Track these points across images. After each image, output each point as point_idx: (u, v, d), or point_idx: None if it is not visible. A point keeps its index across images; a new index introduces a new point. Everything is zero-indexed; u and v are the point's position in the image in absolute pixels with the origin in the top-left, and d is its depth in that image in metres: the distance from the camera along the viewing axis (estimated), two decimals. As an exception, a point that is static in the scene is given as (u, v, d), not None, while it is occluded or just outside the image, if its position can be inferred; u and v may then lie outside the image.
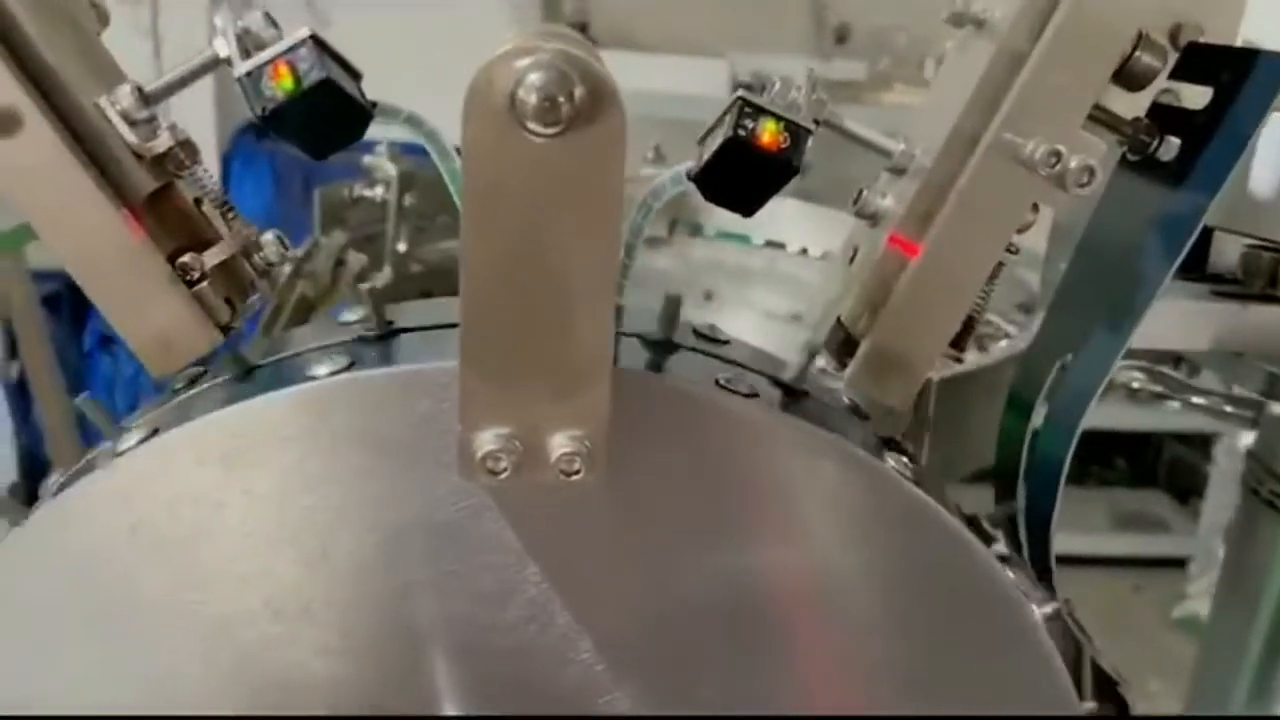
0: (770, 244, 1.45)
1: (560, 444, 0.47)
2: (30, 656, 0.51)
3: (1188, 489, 3.27)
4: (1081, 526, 3.01)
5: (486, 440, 0.47)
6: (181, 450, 0.49)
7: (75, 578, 0.50)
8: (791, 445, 0.51)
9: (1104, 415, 2.95)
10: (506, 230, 0.44)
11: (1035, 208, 0.52)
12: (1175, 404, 0.93)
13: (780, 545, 0.52)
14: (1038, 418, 0.60)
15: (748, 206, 0.50)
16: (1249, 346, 0.62)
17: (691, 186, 0.51)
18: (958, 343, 0.54)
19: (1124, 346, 0.53)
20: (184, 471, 0.49)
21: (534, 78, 0.40)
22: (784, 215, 1.44)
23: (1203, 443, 3.11)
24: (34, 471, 2.71)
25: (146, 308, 0.49)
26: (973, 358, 1.06)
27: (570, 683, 0.52)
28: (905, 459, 0.54)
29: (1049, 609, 0.56)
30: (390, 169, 1.20)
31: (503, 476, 0.47)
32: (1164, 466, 3.42)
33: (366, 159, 1.24)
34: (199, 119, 2.88)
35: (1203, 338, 0.61)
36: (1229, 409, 0.91)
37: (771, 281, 1.42)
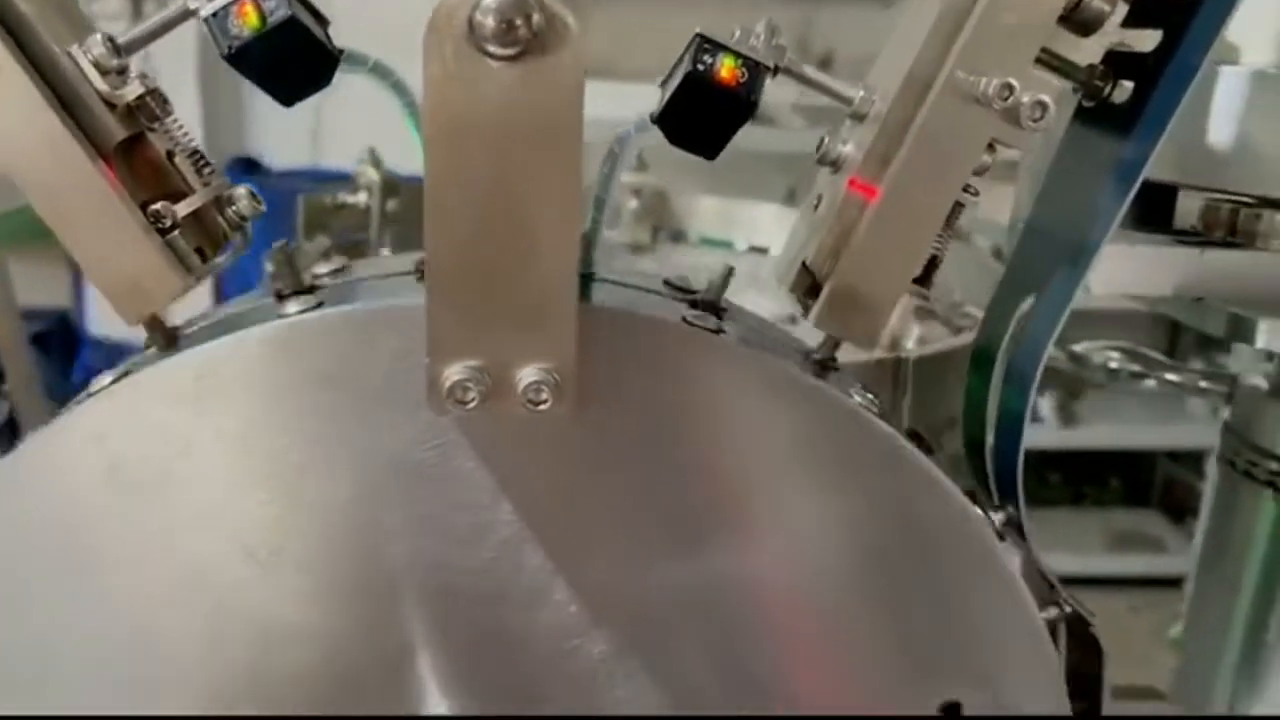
0: (754, 249, 1.46)
1: (528, 375, 0.48)
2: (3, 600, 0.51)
3: (1182, 508, 3.26)
4: (1076, 547, 3.00)
5: (455, 372, 0.47)
6: (151, 389, 0.49)
7: (47, 520, 0.50)
8: (756, 377, 0.51)
9: (1097, 435, 2.97)
10: (469, 160, 0.45)
11: (992, 148, 0.53)
12: (1151, 382, 0.94)
13: (745, 478, 0.52)
14: (998, 374, 0.60)
15: (709, 147, 0.51)
16: (1209, 291, 0.63)
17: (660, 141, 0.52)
18: (922, 282, 0.55)
19: (1078, 286, 0.53)
20: (155, 411, 0.49)
21: (491, 0, 0.42)
22: (766, 220, 1.45)
23: (1195, 461, 3.10)
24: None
25: (118, 253, 0.50)
26: (948, 338, 1.07)
27: (544, 626, 0.52)
28: (871, 398, 0.55)
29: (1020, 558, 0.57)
30: (373, 175, 1.21)
31: (470, 407, 0.47)
32: (1158, 486, 3.41)
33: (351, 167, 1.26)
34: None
35: (1165, 283, 0.62)
36: (1204, 384, 0.92)
37: (756, 286, 1.42)
